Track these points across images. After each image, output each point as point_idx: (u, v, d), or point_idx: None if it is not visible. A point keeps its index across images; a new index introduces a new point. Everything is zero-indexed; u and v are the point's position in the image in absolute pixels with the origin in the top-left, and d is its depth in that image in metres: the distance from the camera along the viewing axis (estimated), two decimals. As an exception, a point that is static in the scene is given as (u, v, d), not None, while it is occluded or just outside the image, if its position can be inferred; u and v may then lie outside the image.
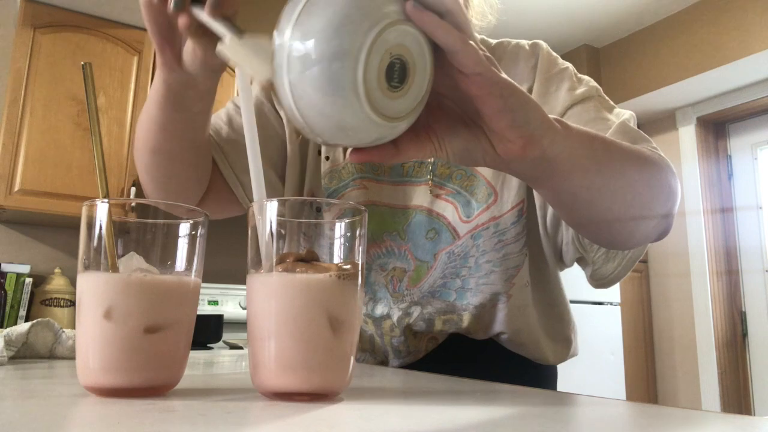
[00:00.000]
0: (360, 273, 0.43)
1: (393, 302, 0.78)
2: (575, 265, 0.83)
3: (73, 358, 0.65)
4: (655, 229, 0.63)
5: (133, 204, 0.46)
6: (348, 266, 0.42)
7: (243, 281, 0.43)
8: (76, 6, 2.44)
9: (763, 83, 2.93)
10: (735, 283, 3.09)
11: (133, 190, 2.44)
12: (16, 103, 2.31)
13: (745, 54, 2.73)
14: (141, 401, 0.37)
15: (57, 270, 2.44)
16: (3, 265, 2.33)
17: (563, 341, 0.82)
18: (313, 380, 0.39)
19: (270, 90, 0.41)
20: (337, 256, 0.43)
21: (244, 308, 2.67)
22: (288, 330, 0.39)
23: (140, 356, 0.39)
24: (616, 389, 2.86)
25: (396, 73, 0.39)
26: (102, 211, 0.41)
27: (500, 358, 0.77)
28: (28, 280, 2.33)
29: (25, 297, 2.32)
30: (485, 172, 0.77)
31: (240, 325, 2.62)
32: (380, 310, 0.78)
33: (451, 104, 0.45)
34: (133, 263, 0.41)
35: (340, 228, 0.43)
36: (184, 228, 0.44)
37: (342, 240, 0.43)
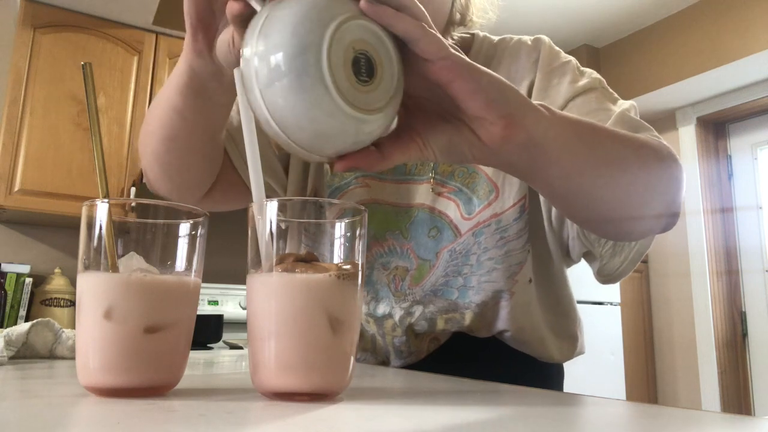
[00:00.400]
0: (360, 273, 0.43)
1: (395, 301, 0.77)
2: (575, 264, 0.82)
3: (73, 358, 0.65)
4: (659, 219, 0.61)
5: (133, 204, 0.46)
6: (348, 266, 0.42)
7: (243, 281, 0.43)
8: (76, 6, 2.44)
9: (763, 83, 2.93)
10: (735, 283, 3.09)
11: (133, 190, 2.44)
12: (16, 103, 2.31)
13: (745, 54, 2.73)
14: (141, 401, 0.37)
15: (57, 270, 2.44)
16: (3, 265, 2.33)
17: (569, 338, 0.81)
18: (313, 380, 0.39)
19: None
20: (337, 256, 0.43)
21: (244, 308, 2.67)
22: (288, 330, 0.39)
23: (140, 356, 0.39)
24: (616, 389, 2.86)
25: (363, 68, 0.40)
26: (102, 211, 0.41)
27: (503, 356, 0.77)
28: (28, 280, 2.33)
29: (25, 297, 2.32)
30: (487, 168, 0.76)
31: (240, 325, 2.62)
32: (382, 309, 0.78)
33: (428, 104, 0.45)
34: (133, 263, 0.41)
35: (340, 228, 0.43)
36: (184, 228, 0.44)
37: (342, 240, 0.43)
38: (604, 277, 0.74)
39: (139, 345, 0.39)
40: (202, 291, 0.46)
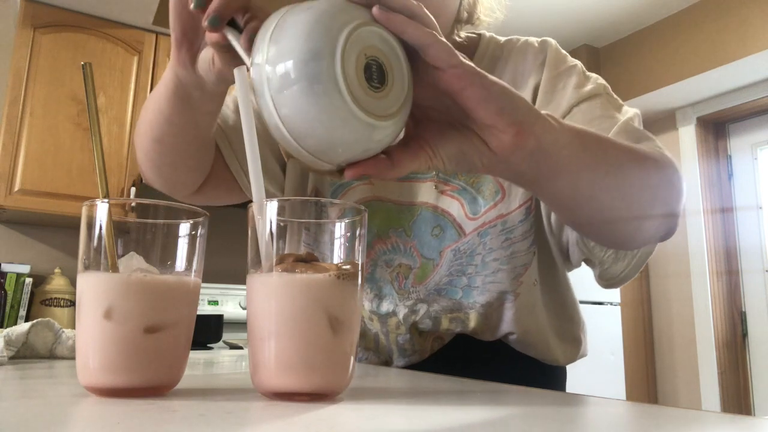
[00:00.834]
0: (360, 273, 0.43)
1: (399, 299, 0.77)
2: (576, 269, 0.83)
3: (73, 358, 0.65)
4: (658, 229, 0.61)
5: (133, 204, 0.46)
6: (348, 266, 0.42)
7: (243, 281, 0.43)
8: (76, 6, 2.44)
9: (763, 83, 2.93)
10: (735, 283, 3.09)
11: (133, 190, 2.44)
12: (16, 103, 2.31)
13: (745, 54, 2.73)
14: (141, 401, 0.37)
15: (57, 270, 2.44)
16: (3, 265, 2.33)
17: (573, 341, 0.81)
18: (313, 380, 0.39)
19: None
20: (337, 256, 0.43)
21: (244, 308, 2.67)
22: (288, 330, 0.39)
23: (140, 356, 0.39)
24: (616, 389, 2.86)
25: (375, 74, 0.40)
26: (102, 211, 0.41)
27: (508, 359, 0.77)
28: (28, 280, 2.33)
29: (25, 297, 2.32)
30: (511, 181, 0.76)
31: (240, 325, 2.62)
32: (386, 307, 0.78)
33: (436, 113, 0.45)
34: (133, 263, 0.41)
35: (340, 228, 0.43)
36: (184, 228, 0.44)
37: (342, 240, 0.43)
38: (607, 281, 0.74)
39: (139, 345, 0.39)
40: (202, 291, 0.46)
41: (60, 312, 2.34)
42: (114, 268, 0.41)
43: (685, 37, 2.98)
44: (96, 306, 0.39)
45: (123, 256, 0.41)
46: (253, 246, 0.42)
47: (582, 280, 0.91)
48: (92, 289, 0.40)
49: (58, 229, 2.59)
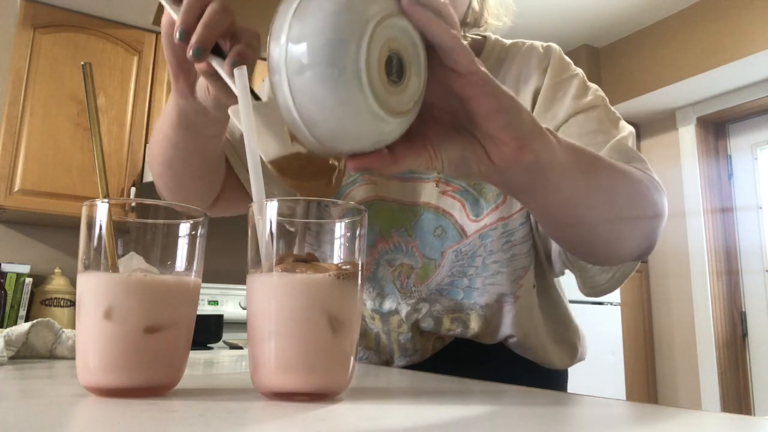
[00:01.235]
0: (360, 273, 0.43)
1: (401, 298, 0.77)
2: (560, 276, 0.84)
3: (73, 358, 0.65)
4: (637, 248, 0.63)
5: (133, 204, 0.46)
6: (348, 266, 0.42)
7: (243, 281, 0.43)
8: (76, 6, 2.44)
9: (763, 83, 2.93)
10: (735, 283, 3.09)
11: (133, 190, 2.44)
12: (16, 103, 2.31)
13: (745, 54, 2.73)
14: (141, 401, 0.37)
15: (57, 270, 2.44)
16: (3, 265, 2.33)
17: (569, 347, 0.82)
18: (313, 380, 0.39)
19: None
20: (337, 256, 0.43)
21: (244, 308, 2.67)
22: (288, 330, 0.39)
23: (140, 356, 0.39)
24: (616, 389, 2.86)
25: (394, 68, 0.39)
26: (102, 211, 0.41)
27: (508, 361, 0.77)
28: (28, 280, 2.33)
29: (25, 297, 2.32)
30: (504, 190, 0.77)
31: (240, 325, 2.62)
32: (388, 305, 0.78)
33: (443, 114, 0.45)
34: (133, 263, 0.41)
35: (340, 228, 0.43)
36: (184, 228, 0.44)
37: (342, 240, 0.43)
38: (589, 289, 0.74)
39: (139, 345, 0.39)
40: (202, 291, 0.46)
41: (60, 312, 2.34)
42: (114, 268, 0.41)
43: (685, 37, 2.98)
44: (96, 306, 0.39)
45: (123, 256, 0.41)
46: (253, 246, 0.42)
47: (573, 281, 0.92)
48: (92, 289, 0.40)
49: (58, 229, 2.59)
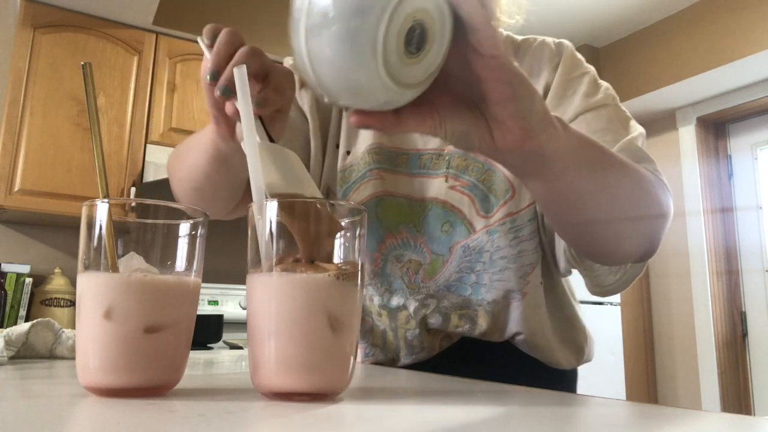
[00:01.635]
0: (360, 273, 0.43)
1: (409, 293, 0.77)
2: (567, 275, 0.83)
3: (73, 358, 0.65)
4: (639, 248, 0.62)
5: (133, 204, 0.46)
6: (347, 266, 0.42)
7: (243, 281, 0.43)
8: (76, 6, 2.44)
9: (763, 83, 2.93)
10: (735, 283, 3.09)
11: (133, 190, 2.44)
12: (16, 103, 2.31)
13: (745, 54, 2.73)
14: (141, 401, 0.37)
15: (57, 270, 2.44)
16: (3, 265, 2.33)
17: (575, 347, 0.81)
18: (313, 380, 0.39)
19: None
20: (337, 256, 0.43)
21: (244, 308, 2.67)
22: (288, 330, 0.39)
23: (140, 356, 0.39)
24: (616, 389, 2.86)
25: (414, 39, 0.39)
26: (102, 211, 0.41)
27: (515, 360, 0.77)
28: (28, 280, 2.33)
29: (25, 297, 2.32)
30: (503, 167, 0.76)
31: (240, 325, 2.62)
32: (396, 301, 0.78)
33: (458, 85, 0.44)
34: (133, 263, 0.41)
35: (333, 233, 0.43)
36: (184, 228, 0.44)
37: (342, 240, 0.43)
38: (597, 288, 0.74)
39: (139, 345, 0.39)
40: (202, 291, 0.46)
41: (60, 312, 2.34)
42: (114, 268, 0.41)
43: (685, 37, 2.98)
44: (96, 306, 0.39)
45: (123, 256, 0.41)
46: (253, 246, 0.42)
47: (582, 279, 0.91)
48: (92, 289, 0.40)
49: (58, 229, 2.59)
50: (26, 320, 2.24)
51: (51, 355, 0.66)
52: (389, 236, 0.79)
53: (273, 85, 0.56)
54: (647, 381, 3.22)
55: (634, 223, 0.59)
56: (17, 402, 0.38)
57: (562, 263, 0.76)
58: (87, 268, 0.41)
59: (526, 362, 0.77)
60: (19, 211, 2.31)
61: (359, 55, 0.37)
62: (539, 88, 0.76)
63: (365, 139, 0.83)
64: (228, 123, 0.58)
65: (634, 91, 3.17)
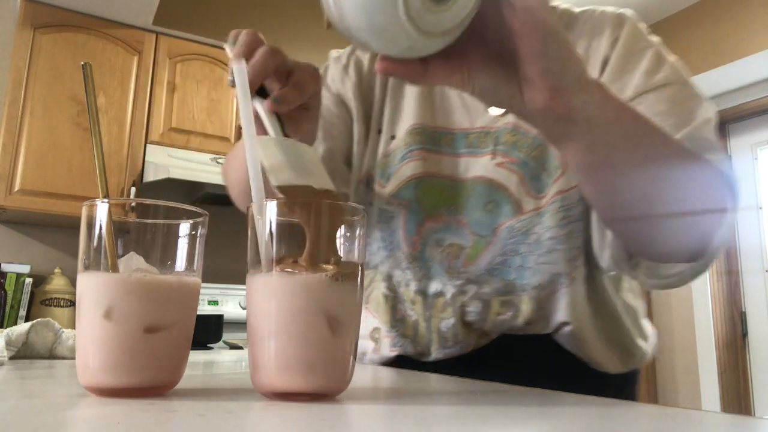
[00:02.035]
0: (360, 273, 0.43)
1: (447, 279, 0.73)
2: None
3: (73, 358, 0.65)
4: (686, 245, 0.57)
5: (133, 204, 0.46)
6: (348, 266, 0.42)
7: (243, 281, 0.43)
8: (76, 6, 2.44)
9: (763, 83, 2.93)
10: (735, 283, 3.09)
11: (133, 190, 2.44)
12: (16, 103, 2.31)
13: (745, 54, 2.73)
14: (141, 401, 0.37)
15: (57, 270, 2.44)
16: (3, 265, 2.33)
17: (622, 349, 0.73)
18: (313, 380, 0.39)
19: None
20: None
21: (244, 308, 2.67)
22: (287, 330, 0.39)
23: (140, 356, 0.39)
24: (616, 389, 2.85)
25: None
26: (102, 211, 0.41)
27: (558, 359, 0.70)
28: (28, 280, 2.33)
29: (25, 297, 2.32)
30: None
31: (240, 325, 2.62)
32: (434, 287, 0.73)
33: (493, 39, 0.42)
34: (133, 263, 0.41)
35: (339, 228, 0.43)
36: (184, 228, 0.44)
37: (342, 240, 0.43)
38: (654, 279, 0.63)
39: (139, 345, 0.39)
40: (202, 291, 0.46)
41: (60, 312, 2.34)
42: (114, 268, 0.41)
43: (685, 37, 2.98)
44: (96, 306, 0.39)
45: (123, 256, 0.41)
46: (252, 246, 0.42)
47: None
48: (92, 289, 0.40)
49: (58, 229, 2.59)
50: (26, 320, 2.24)
51: (51, 355, 0.66)
52: (429, 219, 0.75)
53: (293, 83, 0.55)
54: (647, 381, 3.22)
55: (679, 213, 0.54)
56: (17, 402, 0.38)
57: (605, 255, 0.67)
58: (87, 268, 0.41)
59: (569, 362, 0.70)
60: (19, 211, 2.31)
61: None
62: (598, 62, 0.70)
63: (407, 120, 0.79)
64: (259, 125, 0.57)
65: (634, 91, 3.17)
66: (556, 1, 0.79)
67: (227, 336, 2.44)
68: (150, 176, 2.46)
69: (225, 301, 2.69)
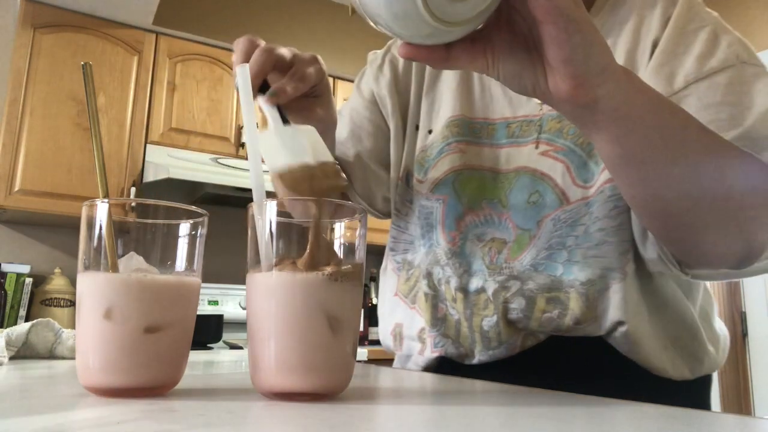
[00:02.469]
0: (360, 273, 0.43)
1: (489, 275, 0.69)
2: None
3: (73, 358, 0.66)
4: (730, 248, 0.54)
5: (133, 204, 0.46)
6: (348, 266, 0.42)
7: (243, 281, 0.43)
8: (76, 6, 2.44)
9: (763, 83, 2.93)
10: (735, 283, 3.09)
11: (133, 190, 2.44)
12: (16, 103, 2.31)
13: (745, 54, 2.73)
14: (141, 401, 0.37)
15: (57, 270, 2.44)
16: (3, 265, 2.33)
17: (688, 355, 0.68)
18: (313, 380, 0.39)
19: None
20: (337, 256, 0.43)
21: (244, 308, 2.67)
22: (287, 330, 0.39)
23: (140, 356, 0.39)
24: (616, 389, 2.85)
25: None
26: (102, 211, 0.41)
27: (614, 363, 0.65)
28: (28, 280, 2.33)
29: (25, 297, 2.32)
30: None
31: (240, 325, 2.62)
32: (475, 283, 0.70)
33: (521, 23, 0.42)
34: (133, 263, 0.41)
35: (340, 228, 0.43)
36: (184, 228, 0.44)
37: (342, 240, 0.43)
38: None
39: (139, 345, 0.39)
40: (202, 291, 0.46)
41: (60, 312, 2.34)
42: (114, 268, 0.41)
43: (685, 37, 2.98)
44: (96, 306, 0.39)
45: (123, 256, 0.41)
46: (252, 246, 0.42)
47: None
48: (92, 289, 0.40)
49: (58, 229, 2.59)
50: (26, 320, 2.24)
51: (51, 355, 0.66)
52: (469, 213, 0.72)
53: (290, 74, 0.57)
54: (647, 381, 3.22)
55: (720, 215, 0.52)
56: (17, 402, 0.38)
57: (648, 250, 0.64)
58: (87, 268, 0.41)
59: (626, 367, 0.65)
60: (19, 211, 2.30)
61: None
62: (647, 43, 0.65)
63: (445, 113, 0.77)
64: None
65: (634, 91, 3.17)
66: None
67: (227, 336, 2.44)
68: (150, 176, 2.45)
69: (225, 301, 2.69)
